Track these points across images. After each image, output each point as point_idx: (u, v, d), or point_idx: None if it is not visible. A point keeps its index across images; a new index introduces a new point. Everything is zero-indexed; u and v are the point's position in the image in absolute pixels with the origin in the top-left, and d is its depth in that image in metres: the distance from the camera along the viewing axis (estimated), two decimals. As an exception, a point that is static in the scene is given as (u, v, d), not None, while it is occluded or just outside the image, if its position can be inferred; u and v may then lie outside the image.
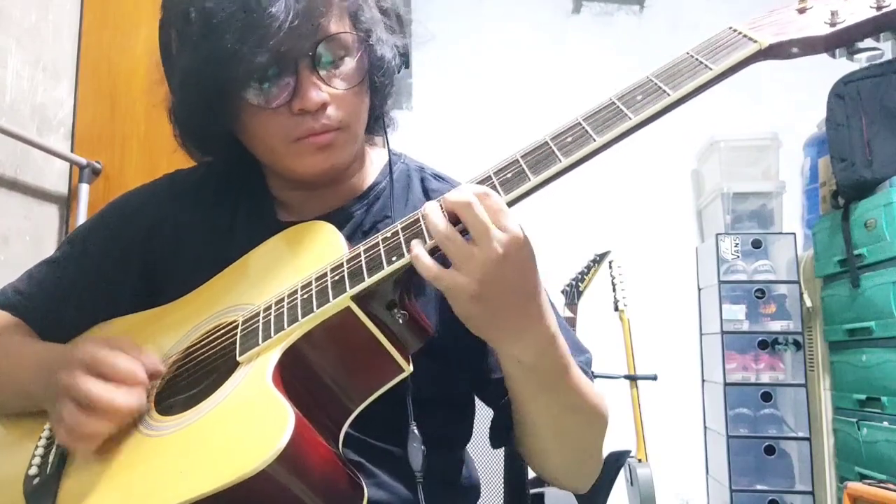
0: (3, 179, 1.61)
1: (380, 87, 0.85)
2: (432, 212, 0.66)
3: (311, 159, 0.80)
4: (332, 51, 0.78)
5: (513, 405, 0.80)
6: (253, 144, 0.84)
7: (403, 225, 0.69)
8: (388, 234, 0.69)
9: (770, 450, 2.67)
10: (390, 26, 0.85)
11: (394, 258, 0.66)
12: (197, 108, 0.81)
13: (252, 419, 0.63)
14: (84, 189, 1.82)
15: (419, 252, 0.65)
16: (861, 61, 0.61)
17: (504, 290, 0.65)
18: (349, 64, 0.80)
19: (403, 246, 0.67)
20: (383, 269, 0.66)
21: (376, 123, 0.91)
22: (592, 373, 0.87)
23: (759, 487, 2.67)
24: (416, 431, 0.76)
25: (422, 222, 0.67)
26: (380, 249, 0.68)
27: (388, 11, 0.86)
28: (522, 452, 0.86)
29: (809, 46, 0.62)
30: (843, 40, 0.61)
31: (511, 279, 0.65)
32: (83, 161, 1.83)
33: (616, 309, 2.63)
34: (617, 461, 2.33)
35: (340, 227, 0.79)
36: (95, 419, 0.68)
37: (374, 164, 0.94)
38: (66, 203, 1.87)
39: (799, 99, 2.98)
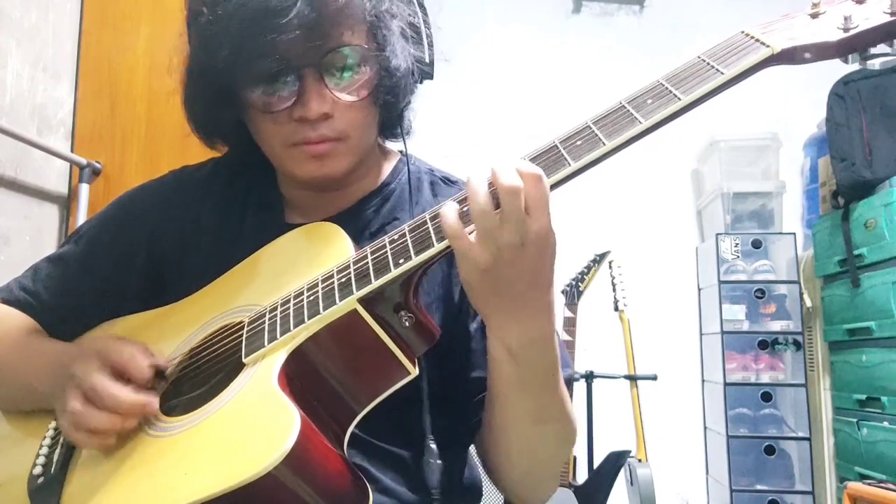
0: (3, 179, 1.61)
1: (393, 99, 0.82)
2: (476, 180, 0.63)
3: (307, 166, 0.81)
4: (342, 61, 0.77)
5: (487, 402, 0.78)
6: (258, 141, 0.84)
7: (411, 227, 0.68)
8: (396, 237, 0.69)
9: (770, 450, 2.67)
10: (408, 36, 0.83)
11: (401, 261, 0.66)
12: (201, 98, 0.82)
13: (258, 421, 0.63)
14: (84, 189, 1.82)
15: (448, 209, 0.64)
16: (874, 66, 0.61)
17: (513, 275, 0.64)
18: (358, 76, 0.79)
19: (411, 249, 0.66)
20: (390, 271, 0.66)
21: (394, 128, 0.91)
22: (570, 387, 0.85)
23: (759, 487, 2.67)
24: (432, 446, 0.76)
25: (429, 224, 0.67)
26: (387, 252, 0.68)
27: (408, 23, 0.84)
28: (481, 456, 0.85)
29: (822, 51, 0.61)
30: (856, 46, 0.61)
31: (524, 268, 0.64)
32: (83, 161, 1.83)
33: (616, 309, 2.63)
34: (617, 461, 2.33)
35: (348, 229, 0.78)
36: (98, 413, 0.68)
37: (384, 165, 0.94)
38: (66, 203, 1.87)
39: (799, 99, 2.98)
